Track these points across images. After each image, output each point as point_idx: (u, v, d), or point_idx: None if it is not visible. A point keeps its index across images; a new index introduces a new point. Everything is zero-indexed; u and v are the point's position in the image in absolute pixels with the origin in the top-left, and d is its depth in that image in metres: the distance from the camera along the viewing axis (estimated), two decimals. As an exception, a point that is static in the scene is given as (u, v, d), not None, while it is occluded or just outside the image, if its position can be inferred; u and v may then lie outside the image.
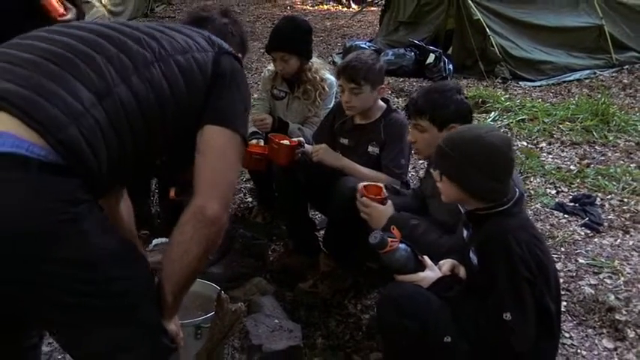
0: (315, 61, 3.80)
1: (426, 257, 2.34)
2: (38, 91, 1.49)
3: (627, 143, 5.52)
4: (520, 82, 7.51)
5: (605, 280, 3.42)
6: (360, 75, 3.14)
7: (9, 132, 1.42)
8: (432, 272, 2.30)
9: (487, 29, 7.65)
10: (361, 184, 2.81)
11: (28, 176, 1.41)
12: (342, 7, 14.80)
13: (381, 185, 2.83)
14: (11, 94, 1.46)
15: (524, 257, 2.05)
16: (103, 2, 9.06)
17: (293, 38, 3.64)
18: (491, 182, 2.14)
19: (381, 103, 3.33)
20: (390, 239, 2.26)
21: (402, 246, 2.29)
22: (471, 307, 2.17)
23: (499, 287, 2.06)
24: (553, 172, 4.87)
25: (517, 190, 2.21)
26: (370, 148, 3.26)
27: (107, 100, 1.57)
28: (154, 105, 1.66)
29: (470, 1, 7.70)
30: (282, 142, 3.28)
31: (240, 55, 2.02)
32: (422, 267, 2.30)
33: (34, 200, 1.41)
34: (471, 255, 2.22)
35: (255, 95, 4.29)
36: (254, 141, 3.63)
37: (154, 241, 3.29)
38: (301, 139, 3.37)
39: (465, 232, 2.36)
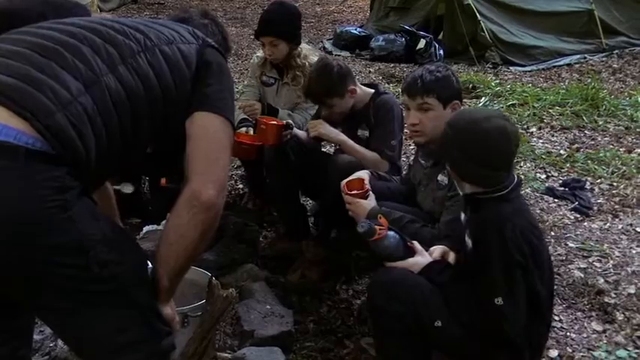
0: (304, 46, 3.79)
1: (415, 243, 2.35)
2: (26, 80, 1.50)
3: (617, 128, 5.55)
4: (510, 67, 7.53)
5: (594, 263, 3.45)
6: (323, 95, 3.21)
7: None
8: (422, 258, 2.31)
9: (477, 14, 7.65)
10: (344, 181, 2.80)
11: (16, 164, 1.42)
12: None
13: (364, 178, 2.82)
14: (1, 85, 1.47)
15: (518, 243, 2.05)
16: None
17: (282, 23, 3.62)
18: (484, 170, 2.13)
19: (367, 89, 3.33)
20: (377, 227, 2.27)
21: (391, 233, 2.29)
22: (462, 292, 2.18)
23: (491, 272, 2.06)
24: (543, 156, 4.90)
25: (515, 176, 2.22)
26: (360, 132, 3.26)
27: (94, 88, 1.58)
28: (141, 93, 1.67)
29: (460, -14, 7.70)
30: (269, 122, 3.29)
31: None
32: (411, 253, 2.31)
33: (23, 188, 1.42)
34: (467, 238, 2.23)
35: (245, 82, 4.28)
36: (243, 129, 3.62)
37: (145, 229, 3.29)
38: (289, 121, 3.37)
39: (463, 216, 2.36)
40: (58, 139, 1.48)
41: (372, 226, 2.26)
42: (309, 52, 3.76)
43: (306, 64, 3.69)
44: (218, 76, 1.84)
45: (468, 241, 2.21)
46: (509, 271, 2.05)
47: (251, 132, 3.60)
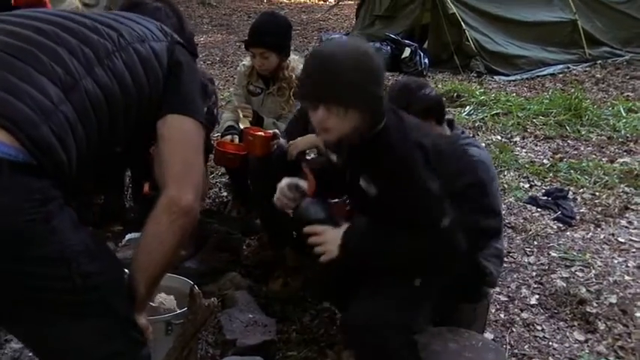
0: (293, 58, 3.77)
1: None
2: (6, 89, 1.48)
3: (599, 137, 5.59)
4: (495, 77, 7.58)
5: (576, 273, 3.46)
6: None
7: None
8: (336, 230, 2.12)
9: (462, 23, 7.70)
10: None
11: (0, 178, 1.40)
12: (319, 0, 14.79)
13: None
14: None
15: (426, 156, 1.99)
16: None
17: (273, 35, 3.60)
18: (378, 89, 2.00)
19: None
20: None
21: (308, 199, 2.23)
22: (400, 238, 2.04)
23: (424, 197, 1.97)
24: (526, 165, 4.93)
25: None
26: None
27: (73, 93, 1.56)
28: (118, 95, 1.66)
29: (445, -5, 7.75)
30: (257, 133, 3.28)
31: (179, 37, 1.99)
32: (335, 220, 2.16)
33: (6, 201, 1.40)
34: (363, 183, 2.07)
35: (231, 89, 4.27)
36: (228, 137, 3.61)
37: (128, 236, 3.27)
38: (276, 130, 3.36)
39: (334, 156, 2.21)
40: (42, 150, 1.46)
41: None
42: (297, 64, 3.74)
43: (293, 76, 3.68)
44: (189, 77, 1.83)
45: (368, 186, 2.06)
46: (435, 187, 1.98)
47: (236, 140, 3.59)
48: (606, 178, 4.69)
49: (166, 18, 2.03)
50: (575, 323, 3.03)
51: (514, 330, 2.98)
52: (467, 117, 5.97)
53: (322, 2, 14.61)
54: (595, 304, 3.15)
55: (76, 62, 1.60)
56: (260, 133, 3.30)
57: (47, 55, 1.57)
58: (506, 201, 4.31)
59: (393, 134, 2.04)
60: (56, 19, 1.69)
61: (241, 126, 3.57)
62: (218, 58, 8.39)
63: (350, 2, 12.92)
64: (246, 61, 3.88)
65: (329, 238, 2.09)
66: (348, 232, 2.09)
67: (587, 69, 8.02)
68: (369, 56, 2.01)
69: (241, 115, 3.66)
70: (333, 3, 13.58)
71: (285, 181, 2.32)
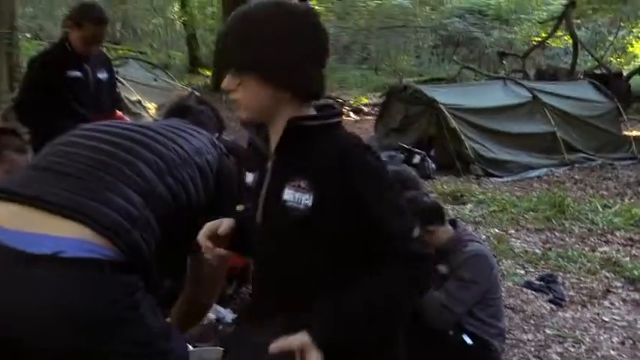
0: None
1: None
2: (102, 202, 1.55)
3: (581, 229, 5.52)
4: (491, 178, 7.58)
5: (569, 348, 3.36)
6: None
7: (85, 239, 1.48)
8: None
9: (462, 135, 7.80)
10: None
11: (102, 275, 1.46)
12: (344, 117, 15.13)
13: None
14: (84, 207, 1.53)
15: (385, 169, 1.37)
16: (150, 114, 9.22)
17: None
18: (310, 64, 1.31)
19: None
20: None
21: None
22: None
23: (381, 211, 1.28)
24: (521, 254, 4.86)
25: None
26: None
27: (152, 198, 1.63)
28: (183, 198, 1.72)
29: (447, 113, 7.89)
30: None
31: (220, 133, 2.16)
32: None
33: (106, 295, 1.46)
34: (289, 194, 1.30)
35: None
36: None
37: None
38: None
39: (251, 177, 1.66)
40: (132, 250, 1.53)
41: None
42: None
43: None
44: (231, 190, 1.91)
45: (298, 197, 1.29)
46: (396, 199, 1.33)
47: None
48: (589, 264, 4.60)
49: (208, 119, 2.14)
50: (571, 394, 2.92)
51: (518, 400, 2.88)
52: (469, 213, 5.95)
53: (346, 118, 14.94)
54: (587, 377, 3.05)
55: (152, 173, 1.67)
56: None
57: (130, 168, 1.65)
58: (505, 285, 4.22)
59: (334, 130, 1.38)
60: (132, 135, 1.76)
61: None
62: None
63: (369, 118, 13.19)
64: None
65: (292, 340, 1.23)
66: (308, 322, 1.25)
67: (567, 171, 7.99)
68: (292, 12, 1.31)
69: None
70: (357, 118, 13.89)
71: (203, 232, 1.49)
